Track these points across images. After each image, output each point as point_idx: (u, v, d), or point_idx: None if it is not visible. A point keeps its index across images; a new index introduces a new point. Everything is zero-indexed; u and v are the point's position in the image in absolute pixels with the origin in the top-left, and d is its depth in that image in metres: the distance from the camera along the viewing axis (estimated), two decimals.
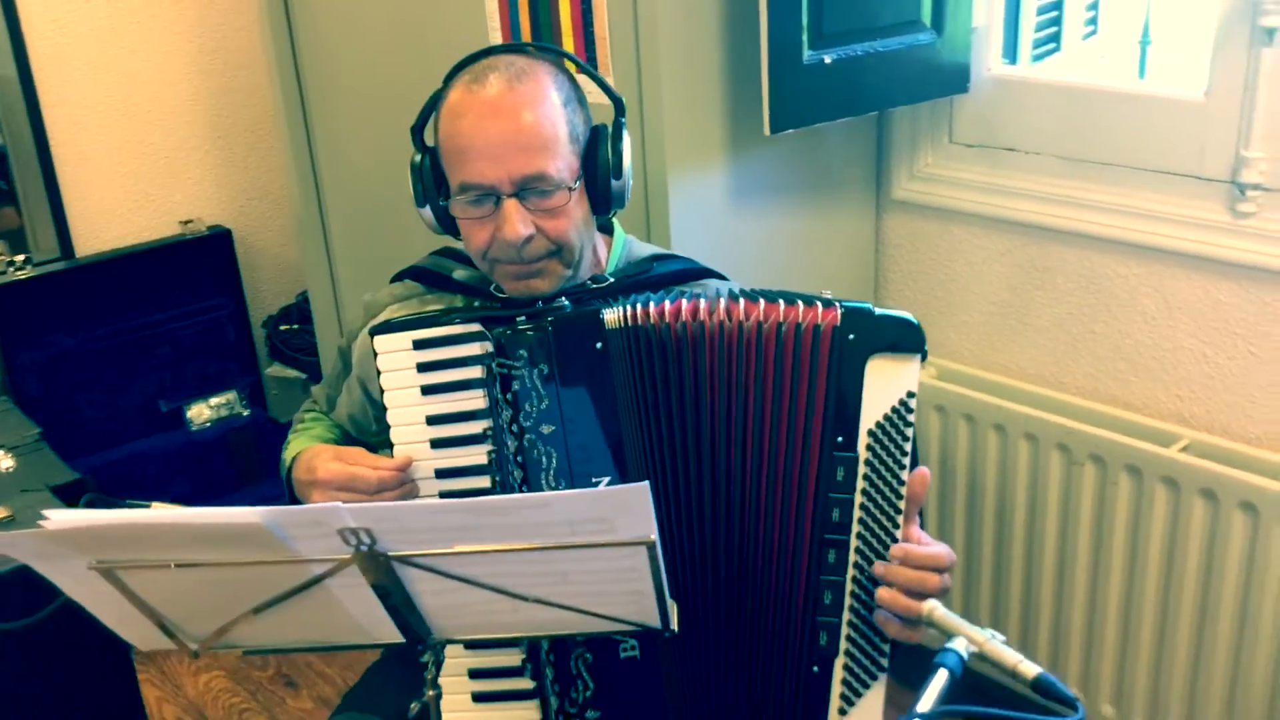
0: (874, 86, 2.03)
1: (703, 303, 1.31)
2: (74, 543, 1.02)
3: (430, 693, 1.24)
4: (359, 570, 1.07)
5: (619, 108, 1.40)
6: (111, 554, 1.04)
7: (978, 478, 2.16)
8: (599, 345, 1.30)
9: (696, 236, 2.02)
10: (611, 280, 1.44)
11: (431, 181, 1.40)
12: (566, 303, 1.37)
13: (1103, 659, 2.07)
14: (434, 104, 1.41)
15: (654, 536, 1.04)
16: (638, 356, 1.30)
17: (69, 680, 2.15)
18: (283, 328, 3.33)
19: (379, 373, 1.40)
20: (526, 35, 2.17)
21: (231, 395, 3.35)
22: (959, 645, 1.15)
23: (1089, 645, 2.09)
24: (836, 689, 1.32)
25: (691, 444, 1.31)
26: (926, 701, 1.07)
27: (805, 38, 1.91)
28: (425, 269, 1.55)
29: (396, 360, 1.40)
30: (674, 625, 1.17)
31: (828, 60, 1.94)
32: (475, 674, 1.42)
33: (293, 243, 3.45)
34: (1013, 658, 1.13)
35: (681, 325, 1.30)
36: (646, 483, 0.98)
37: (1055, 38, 2.30)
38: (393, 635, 1.20)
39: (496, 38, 2.22)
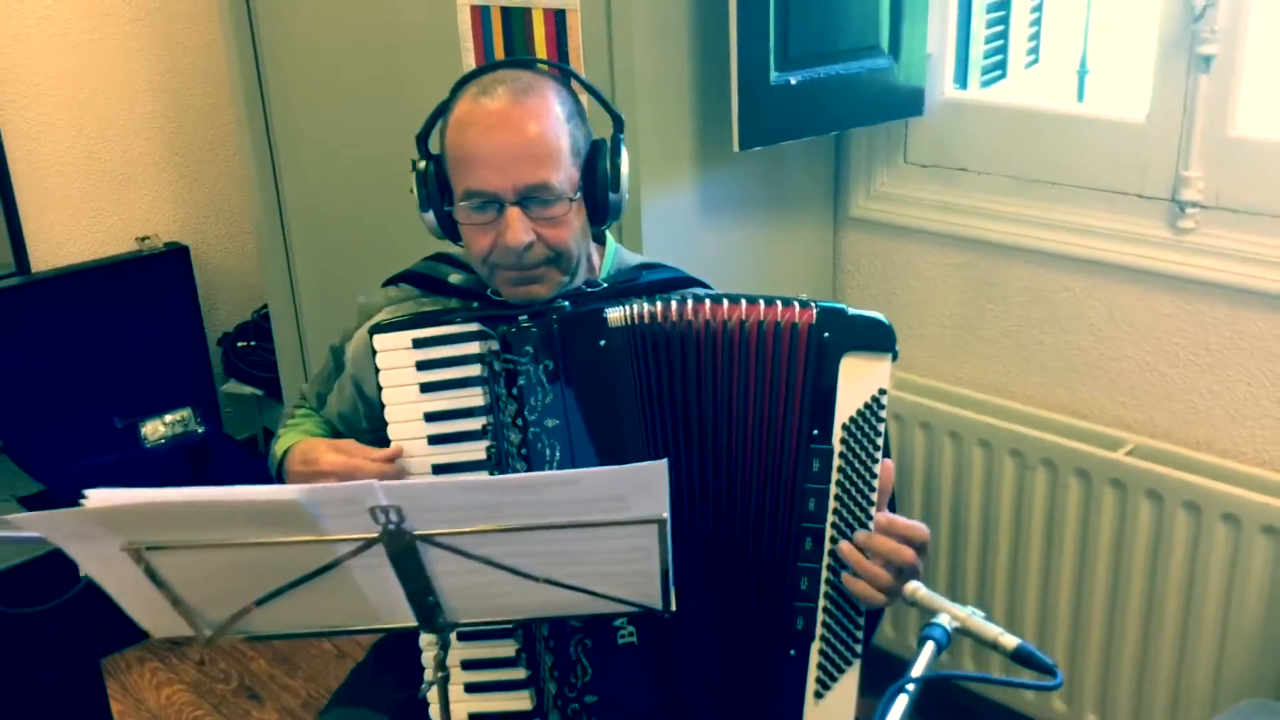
0: (835, 108, 2.13)
1: (693, 303, 1.38)
2: (111, 522, 1.06)
3: (439, 674, 1.28)
4: (383, 550, 1.12)
5: (618, 124, 1.47)
6: (145, 534, 1.08)
7: (933, 483, 2.26)
8: (602, 343, 1.37)
9: (666, 248, 2.09)
10: (605, 285, 1.51)
11: (435, 188, 1.46)
12: (566, 304, 1.44)
13: (1054, 652, 2.17)
14: (440, 113, 1.46)
15: (666, 515, 1.10)
16: (640, 352, 1.37)
17: (39, 692, 2.15)
18: (240, 345, 3.35)
19: (377, 371, 1.45)
20: (499, 53, 2.23)
21: (186, 412, 3.35)
22: (944, 620, 1.22)
23: (1040, 640, 2.18)
24: (813, 673, 1.39)
25: (683, 436, 1.38)
26: (918, 669, 1.15)
27: (772, 60, 2.00)
28: (420, 273, 1.60)
29: (396, 359, 1.45)
30: (674, 606, 1.24)
31: (793, 81, 2.03)
32: (469, 665, 1.47)
33: (249, 260, 3.47)
34: (993, 630, 1.21)
35: (679, 323, 1.37)
36: (665, 461, 1.04)
37: (1001, 65, 2.42)
38: (405, 619, 1.24)
39: (470, 57, 2.28)
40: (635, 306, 1.37)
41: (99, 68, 3.10)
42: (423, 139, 1.49)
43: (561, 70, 1.49)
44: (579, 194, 1.43)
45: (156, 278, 3.25)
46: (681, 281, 1.58)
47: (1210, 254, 1.96)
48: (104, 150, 3.16)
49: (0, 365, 3.00)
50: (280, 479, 1.57)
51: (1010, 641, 1.20)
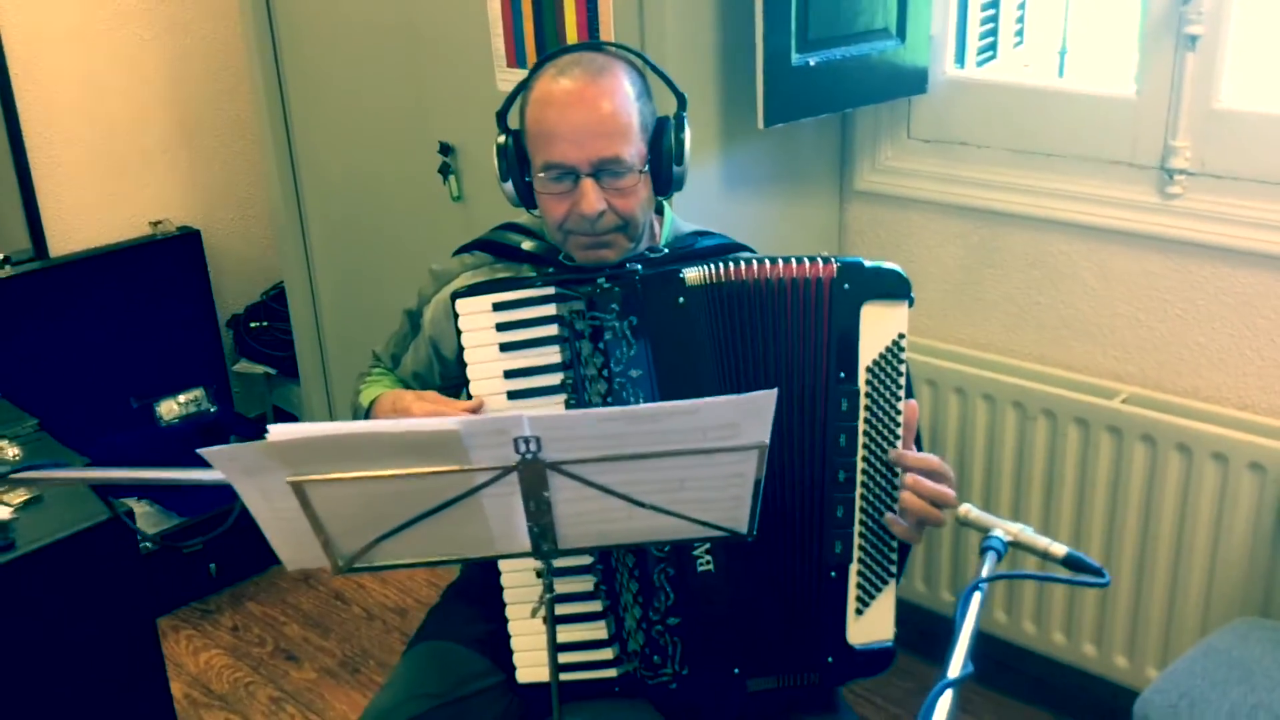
0: (848, 86, 2.28)
1: (755, 264, 1.53)
2: (286, 455, 1.18)
3: (547, 595, 1.41)
4: (517, 478, 1.26)
5: (682, 102, 1.61)
6: (310, 467, 1.21)
7: (939, 436, 2.43)
8: (680, 299, 1.52)
9: (692, 221, 2.24)
10: (666, 251, 1.66)
11: (515, 160, 1.60)
12: (639, 266, 1.58)
13: (1054, 591, 2.35)
14: (519, 92, 1.60)
15: (767, 440, 1.25)
16: (712, 307, 1.51)
17: (95, 653, 2.25)
18: (253, 325, 3.45)
19: (460, 333, 1.58)
20: (530, 38, 2.36)
21: (199, 392, 3.45)
22: (1000, 533, 1.39)
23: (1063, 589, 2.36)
24: (852, 592, 1.55)
25: (744, 380, 1.53)
26: (985, 573, 1.31)
27: (794, 43, 2.15)
28: (494, 241, 1.73)
29: (477, 321, 1.58)
30: (755, 531, 1.38)
31: (812, 63, 2.19)
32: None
33: (256, 242, 3.57)
34: (1043, 541, 1.38)
35: (744, 281, 1.52)
36: (776, 390, 1.19)
37: (993, 46, 2.58)
38: (521, 546, 1.38)
39: (499, 43, 2.41)
40: (709, 267, 1.52)
41: (114, 55, 3.18)
42: (502, 115, 1.62)
43: (630, 53, 1.63)
44: (646, 167, 1.57)
45: (169, 261, 3.34)
46: (731, 247, 1.74)
47: (1197, 217, 2.14)
48: (118, 137, 3.24)
49: (24, 347, 3.08)
50: None
51: (1059, 550, 1.37)
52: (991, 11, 2.53)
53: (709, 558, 1.55)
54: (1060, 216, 2.29)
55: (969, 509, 1.47)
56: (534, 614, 1.46)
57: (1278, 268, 2.08)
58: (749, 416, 1.22)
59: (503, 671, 1.66)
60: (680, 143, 1.60)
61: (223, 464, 1.19)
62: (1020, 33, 2.72)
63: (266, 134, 3.04)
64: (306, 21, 2.85)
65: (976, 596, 1.24)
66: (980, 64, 2.51)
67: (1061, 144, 2.28)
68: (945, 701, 1.04)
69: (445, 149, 2.60)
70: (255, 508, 1.28)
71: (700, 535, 1.39)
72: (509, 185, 1.62)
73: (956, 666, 1.10)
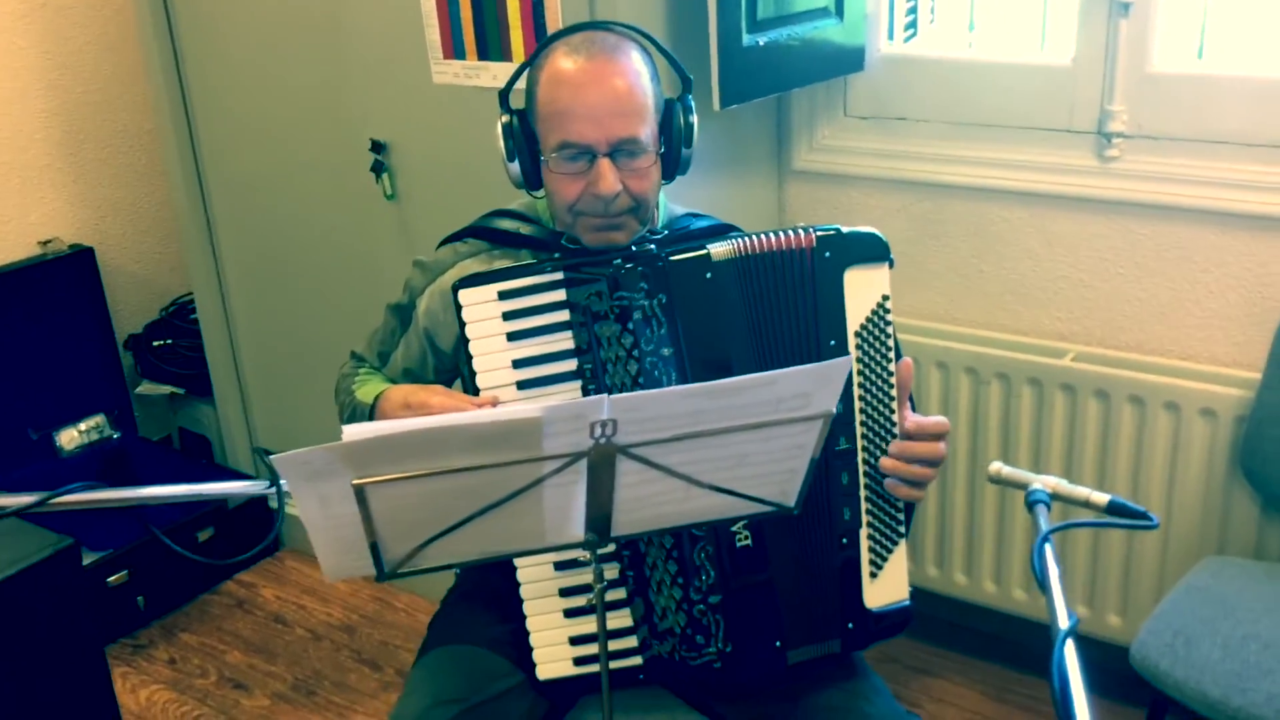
0: (794, 65, 2.31)
1: (772, 237, 1.53)
2: (358, 457, 1.13)
3: (600, 584, 1.38)
4: (584, 465, 1.22)
5: (687, 84, 1.60)
6: (378, 468, 1.15)
7: None
8: (708, 275, 1.50)
9: None
10: (667, 232, 1.65)
11: (523, 140, 1.56)
12: (652, 247, 1.56)
13: (1011, 542, 2.41)
14: (523, 72, 1.56)
15: (834, 410, 1.25)
16: (738, 281, 1.50)
17: (44, 682, 2.13)
18: (156, 344, 3.28)
19: (464, 324, 1.54)
20: (468, 28, 2.31)
21: (100, 418, 3.28)
22: (1039, 486, 1.42)
23: (999, 533, 2.43)
24: (865, 556, 1.57)
25: (763, 351, 1.52)
26: (1044, 525, 1.33)
27: (744, 24, 2.16)
28: (489, 228, 1.69)
29: (482, 311, 1.54)
30: (800, 504, 1.38)
31: (761, 43, 2.20)
32: (567, 591, 1.57)
33: (150, 258, 3.41)
34: (1082, 491, 1.41)
35: (764, 255, 1.52)
36: (850, 357, 1.19)
37: (913, 24, 2.64)
38: (572, 536, 1.34)
39: (434, 34, 2.35)
40: (734, 243, 1.51)
41: None
42: (505, 95, 1.58)
43: (638, 33, 1.60)
44: (661, 148, 1.56)
45: (62, 282, 3.16)
46: (723, 228, 1.74)
47: (1135, 178, 2.23)
48: None
49: None
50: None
51: (1101, 498, 1.40)
52: None
53: (747, 533, 1.54)
54: (1001, 185, 2.36)
55: (1000, 467, 1.49)
56: (590, 602, 1.42)
57: (1214, 222, 2.18)
58: (822, 385, 1.22)
59: (522, 671, 1.62)
60: (690, 125, 1.59)
61: (291, 470, 1.13)
62: (932, 9, 2.79)
63: (169, 138, 2.90)
64: (210, 19, 2.73)
65: (1048, 549, 1.26)
66: (906, 40, 2.56)
67: (999, 114, 2.34)
68: (1071, 650, 1.06)
69: (377, 146, 2.52)
70: (309, 515, 1.21)
71: (748, 512, 1.39)
72: (515, 166, 1.58)
73: (1063, 618, 1.12)
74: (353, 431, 1.11)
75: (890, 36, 2.51)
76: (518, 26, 2.24)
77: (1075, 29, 2.22)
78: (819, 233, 1.52)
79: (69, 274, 3.17)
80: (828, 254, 1.52)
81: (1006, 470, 1.49)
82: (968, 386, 2.38)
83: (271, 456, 1.11)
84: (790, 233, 1.53)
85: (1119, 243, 2.28)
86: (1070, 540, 2.35)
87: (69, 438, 3.22)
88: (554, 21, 2.19)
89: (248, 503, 3.10)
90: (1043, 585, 1.20)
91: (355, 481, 1.16)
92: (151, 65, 2.85)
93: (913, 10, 2.62)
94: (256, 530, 3.11)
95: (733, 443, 1.27)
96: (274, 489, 1.32)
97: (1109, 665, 2.44)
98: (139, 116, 3.27)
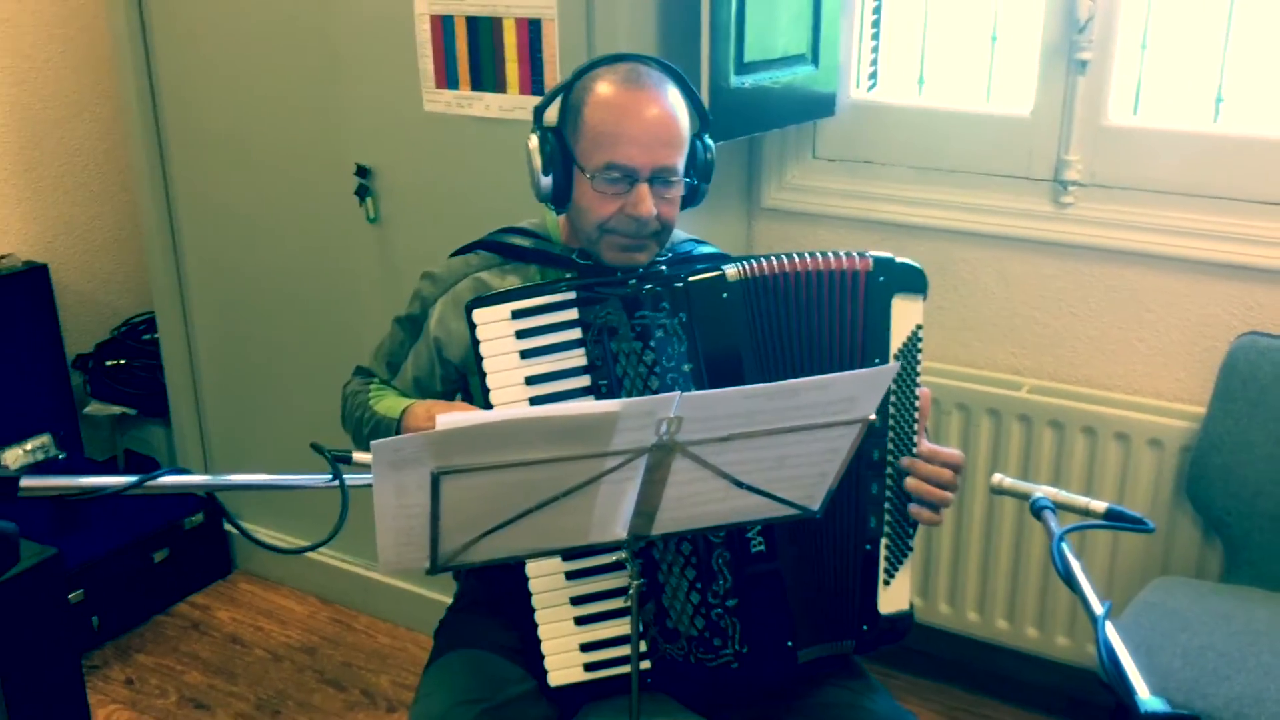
0: (774, 108, 2.43)
1: (789, 259, 1.63)
2: (447, 445, 1.19)
3: (637, 581, 1.45)
4: (644, 462, 1.30)
5: (705, 122, 1.70)
6: (458, 458, 1.21)
7: None
8: (725, 295, 1.59)
9: None
10: (672, 255, 1.75)
11: (559, 156, 1.63)
12: (663, 268, 1.65)
13: (966, 567, 2.54)
14: (561, 93, 1.64)
15: (874, 415, 1.35)
16: (753, 300, 1.60)
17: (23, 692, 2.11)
18: (109, 363, 3.25)
19: (478, 342, 1.59)
20: (463, 61, 2.38)
21: (46, 438, 3.23)
22: (1041, 494, 1.53)
23: (954, 557, 2.55)
24: (882, 564, 1.67)
25: (785, 365, 1.62)
26: (1058, 528, 1.43)
27: (731, 66, 2.28)
28: (501, 242, 1.76)
29: (496, 330, 1.60)
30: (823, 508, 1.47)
31: (747, 85, 2.32)
32: (578, 600, 1.64)
33: (101, 277, 3.38)
34: (1082, 500, 1.52)
35: (780, 276, 1.62)
36: (896, 365, 1.29)
37: (874, 75, 2.79)
38: (614, 534, 1.41)
39: (428, 64, 2.42)
40: (747, 264, 1.61)
41: None
42: (540, 113, 1.66)
43: (669, 70, 1.69)
44: (690, 179, 1.66)
45: (15, 298, 3.12)
46: (720, 256, 1.83)
47: (1089, 224, 2.39)
48: None
49: None
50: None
51: (1099, 506, 1.51)
52: (875, 43, 2.74)
53: (760, 539, 1.62)
54: (962, 227, 2.51)
55: (1001, 478, 1.60)
56: (625, 600, 1.49)
57: (1161, 266, 2.35)
58: (868, 390, 1.31)
59: (534, 678, 1.67)
60: (711, 161, 1.70)
61: (384, 455, 1.18)
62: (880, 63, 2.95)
63: (139, 155, 2.90)
64: (189, 38, 2.75)
65: (1065, 547, 1.37)
66: (870, 90, 2.71)
67: (962, 161, 2.49)
68: (1112, 630, 1.16)
69: (362, 171, 2.57)
70: (382, 503, 1.26)
71: (775, 515, 1.47)
72: (548, 180, 1.65)
73: (1096, 605, 1.22)
74: (446, 420, 1.17)
75: (858, 84, 2.65)
76: (514, 59, 2.32)
77: (1035, 83, 2.39)
78: (875, 258, 1.63)
79: (22, 291, 3.13)
80: (882, 278, 1.63)
81: (1008, 481, 1.59)
82: (930, 416, 2.50)
83: (373, 442, 1.16)
84: (844, 255, 1.63)
85: (1072, 283, 2.44)
86: (1021, 562, 2.48)
87: (14, 457, 3.16)
88: (551, 55, 2.28)
89: (203, 523, 3.08)
90: (1067, 581, 1.31)
91: (434, 469, 1.22)
92: (125, 83, 2.86)
93: (874, 61, 2.77)
94: (211, 550, 3.10)
95: (778, 444, 1.35)
96: (337, 482, 1.36)
97: (1058, 686, 2.59)
98: (97, 134, 3.26)
